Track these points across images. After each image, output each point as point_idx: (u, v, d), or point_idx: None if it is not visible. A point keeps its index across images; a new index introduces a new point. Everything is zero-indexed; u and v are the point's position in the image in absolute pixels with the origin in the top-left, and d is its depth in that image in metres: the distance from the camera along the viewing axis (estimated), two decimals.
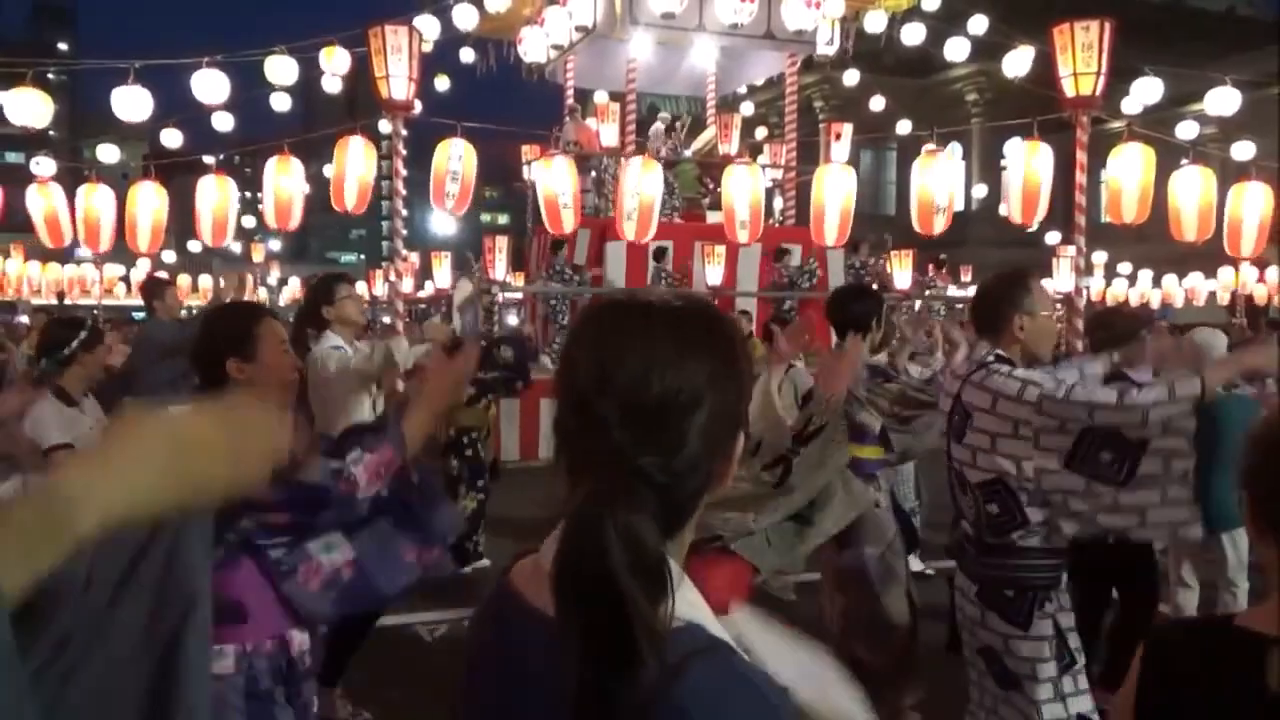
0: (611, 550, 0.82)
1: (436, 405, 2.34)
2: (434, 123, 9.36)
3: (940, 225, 8.50)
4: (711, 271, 12.17)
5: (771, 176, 14.63)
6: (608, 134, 14.47)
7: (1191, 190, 7.74)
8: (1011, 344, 2.76)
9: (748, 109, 18.33)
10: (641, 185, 9.02)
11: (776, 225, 13.72)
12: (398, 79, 7.22)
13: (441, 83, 15.62)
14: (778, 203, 14.49)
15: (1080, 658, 2.74)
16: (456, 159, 8.41)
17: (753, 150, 15.44)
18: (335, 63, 12.43)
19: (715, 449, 0.93)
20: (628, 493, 0.85)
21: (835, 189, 8.62)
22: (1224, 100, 10.97)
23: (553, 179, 9.32)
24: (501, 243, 13.39)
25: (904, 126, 17.63)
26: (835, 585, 3.98)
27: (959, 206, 31.54)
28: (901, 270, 14.05)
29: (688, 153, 14.57)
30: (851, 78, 17.73)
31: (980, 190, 25.26)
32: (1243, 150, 12.89)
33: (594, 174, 13.82)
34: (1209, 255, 13.90)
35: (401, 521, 2.21)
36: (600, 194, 13.66)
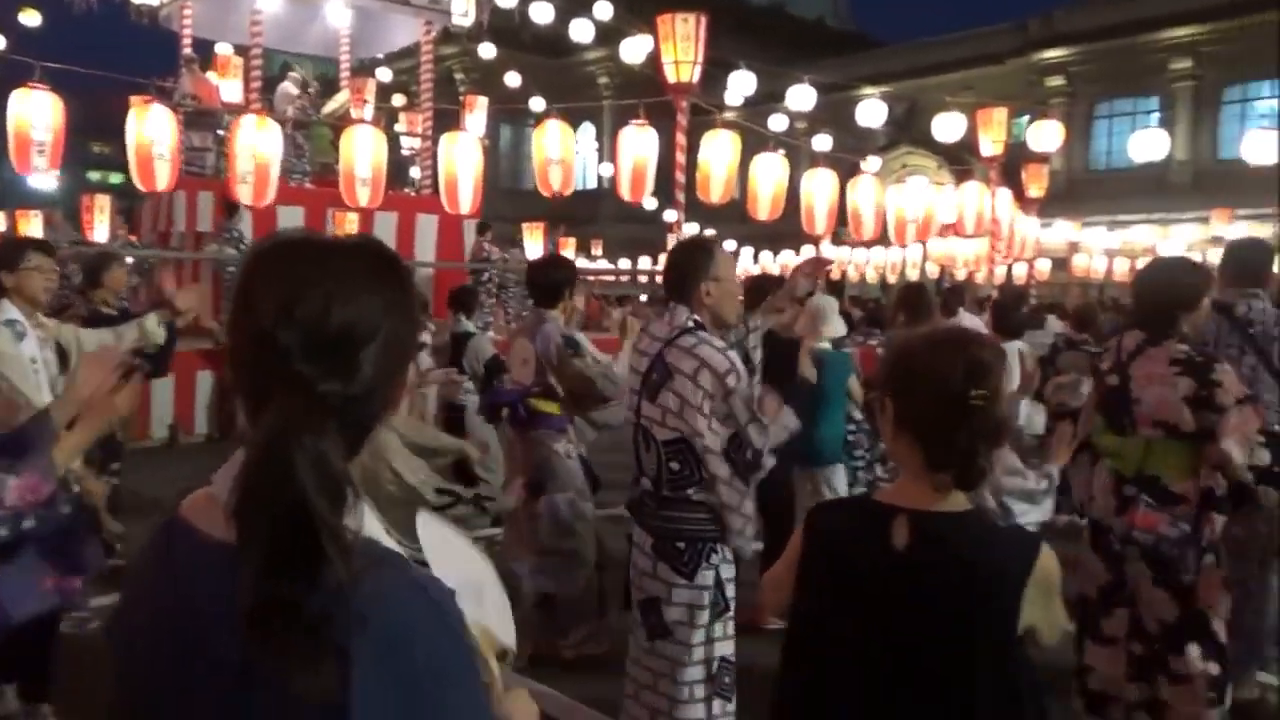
0: (299, 472, 0.86)
1: (97, 428, 2.19)
2: (17, 62, 8.33)
3: (557, 182, 8.91)
4: None
5: (409, 145, 14.55)
6: (230, 90, 13.60)
7: (769, 175, 8.82)
8: (700, 309, 2.88)
9: (385, 75, 18.00)
10: (257, 145, 8.56)
11: (413, 194, 13.72)
12: None
13: (30, 18, 13.82)
14: (414, 172, 14.46)
15: (732, 605, 2.91)
16: (42, 114, 7.49)
17: (388, 117, 15.23)
18: None
19: (390, 375, 0.98)
20: (311, 419, 0.89)
21: (465, 158, 8.71)
22: (802, 97, 12.54)
23: (148, 128, 8.39)
24: (104, 201, 12.15)
25: (539, 104, 18.24)
26: (528, 527, 4.25)
27: (591, 185, 33.25)
28: (533, 241, 14.63)
29: (321, 115, 14.07)
30: (489, 51, 18.02)
31: (608, 169, 26.76)
32: (821, 142, 14.90)
33: (218, 132, 12.94)
34: (796, 234, 15.95)
35: (47, 552, 2.07)
36: (223, 154, 12.81)
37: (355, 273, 0.97)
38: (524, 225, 15.00)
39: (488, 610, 1.32)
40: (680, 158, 7.82)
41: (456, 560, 1.33)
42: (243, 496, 0.87)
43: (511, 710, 1.16)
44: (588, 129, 34.91)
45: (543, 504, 4.24)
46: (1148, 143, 13.22)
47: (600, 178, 29.43)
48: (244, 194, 8.67)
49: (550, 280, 4.50)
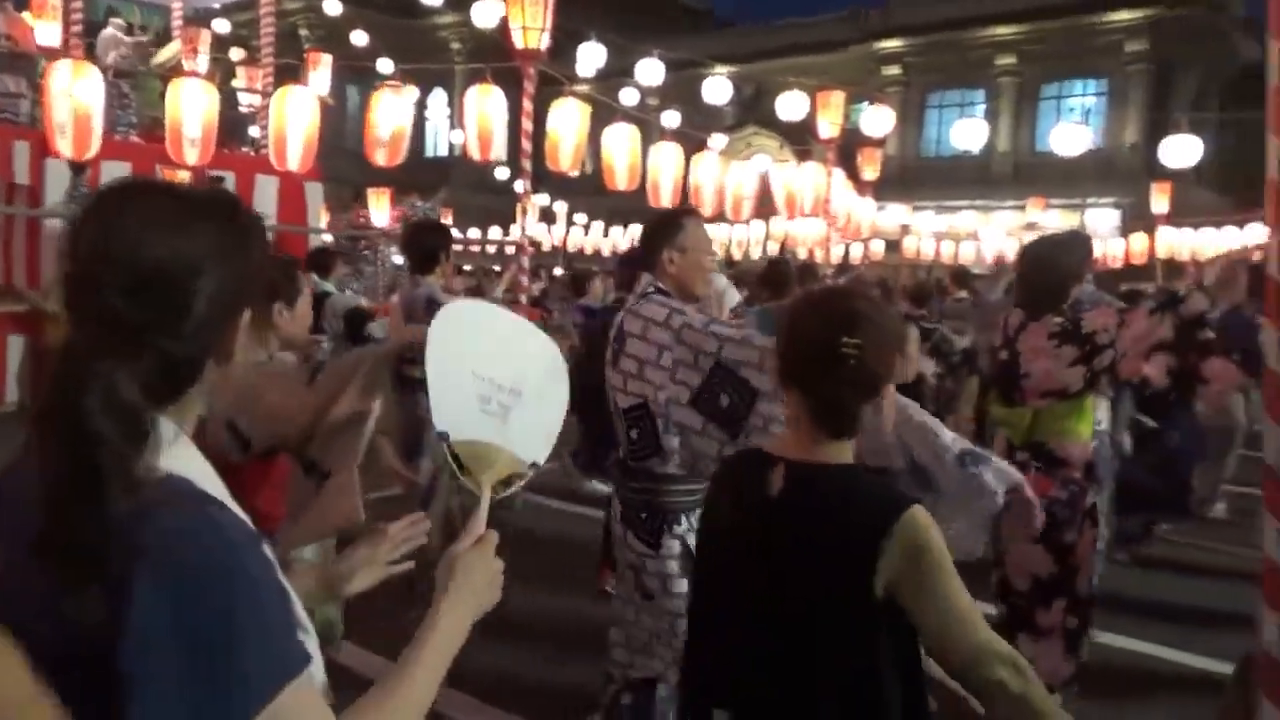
0: (88, 396, 0.87)
1: None
2: None
3: (383, 159, 8.75)
4: None
5: (248, 102, 13.95)
6: (47, 33, 12.69)
7: (622, 146, 8.96)
8: (663, 277, 2.90)
9: (223, 27, 17.13)
10: (75, 93, 8.03)
11: (252, 154, 13.19)
12: None
13: None
14: (254, 130, 13.89)
15: None
16: None
17: (225, 71, 14.56)
18: None
19: (216, 320, 0.97)
20: (112, 347, 0.89)
21: (298, 114, 8.33)
22: (651, 71, 12.69)
23: None
24: None
25: (387, 65, 17.80)
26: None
27: (442, 151, 32.63)
28: (378, 208, 14.35)
29: (150, 66, 13.31)
30: (335, 8, 17.43)
31: (459, 136, 26.37)
32: (670, 119, 15.16)
33: (34, 79, 12.05)
34: (649, 209, 16.24)
35: None
36: (39, 102, 11.95)
37: (181, 213, 0.97)
38: (370, 190, 14.65)
39: (510, 426, 1.29)
40: (528, 125, 7.82)
41: (510, 359, 1.31)
42: (40, 414, 0.90)
43: (457, 563, 1.18)
44: (439, 95, 34.22)
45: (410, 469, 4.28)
46: (968, 132, 14.10)
47: (452, 145, 28.92)
48: (63, 147, 8.14)
49: (426, 246, 4.46)
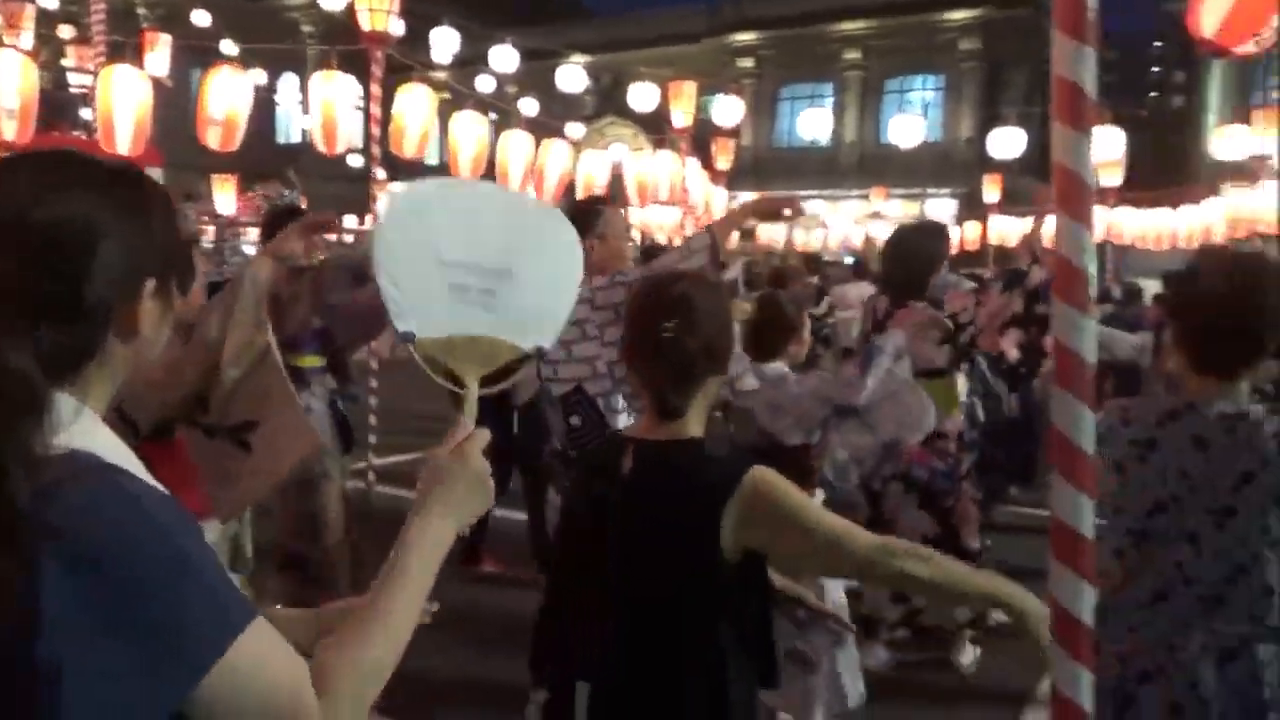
0: None
1: None
2: None
3: (215, 141, 8.49)
4: None
5: (79, 83, 13.28)
6: None
7: (470, 134, 8.97)
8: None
9: (50, 2, 16.16)
10: None
11: (84, 137, 12.56)
12: None
13: None
14: (86, 112, 13.22)
15: None
16: None
17: (54, 50, 13.81)
18: None
19: (116, 289, 0.92)
20: (4, 321, 0.85)
21: (126, 94, 7.88)
22: (505, 59, 12.72)
23: None
24: None
25: (230, 47, 17.13)
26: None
27: (295, 139, 31.53)
28: (223, 194, 13.93)
29: None
30: None
31: (310, 122, 25.59)
32: (528, 107, 15.22)
33: None
34: None
35: None
36: None
37: (73, 179, 0.93)
38: (214, 177, 14.17)
39: (499, 311, 1.21)
40: (376, 111, 7.72)
41: (493, 237, 1.22)
42: None
43: (437, 469, 1.12)
44: (291, 79, 33.06)
45: None
46: (814, 122, 14.73)
47: (304, 131, 28.00)
48: None
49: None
